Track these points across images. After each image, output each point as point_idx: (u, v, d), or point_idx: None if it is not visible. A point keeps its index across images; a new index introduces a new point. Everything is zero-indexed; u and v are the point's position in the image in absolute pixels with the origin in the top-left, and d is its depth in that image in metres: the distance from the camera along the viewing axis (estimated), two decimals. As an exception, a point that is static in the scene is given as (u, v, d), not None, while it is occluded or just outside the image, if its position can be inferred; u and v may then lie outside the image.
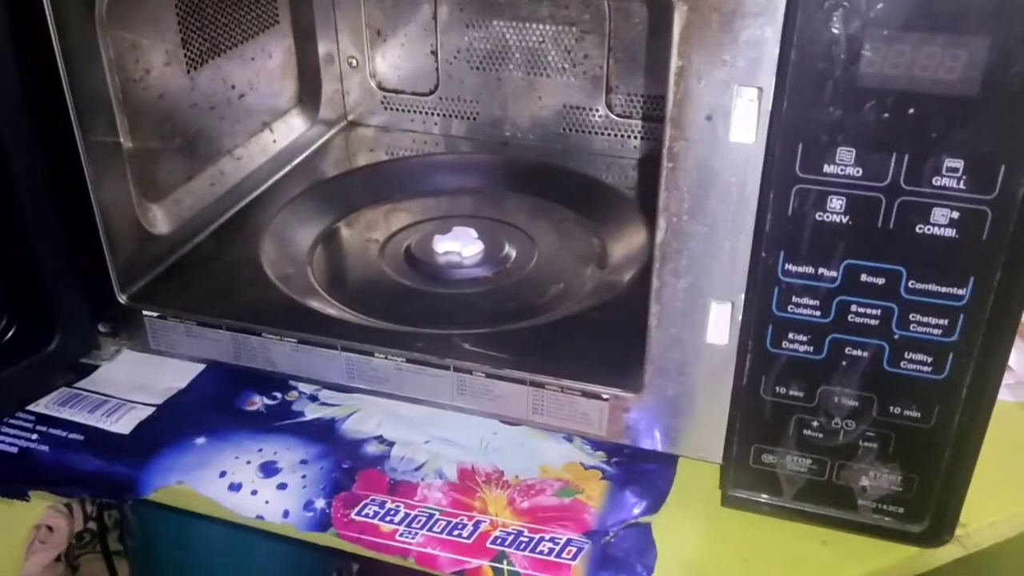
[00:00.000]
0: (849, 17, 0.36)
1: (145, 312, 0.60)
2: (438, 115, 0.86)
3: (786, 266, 0.43)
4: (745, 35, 0.40)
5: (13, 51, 0.51)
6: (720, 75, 0.41)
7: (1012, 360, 0.56)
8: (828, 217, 0.41)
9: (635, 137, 0.81)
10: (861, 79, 0.37)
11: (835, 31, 0.37)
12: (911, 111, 0.37)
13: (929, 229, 0.40)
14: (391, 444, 0.56)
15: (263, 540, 0.76)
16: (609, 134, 0.81)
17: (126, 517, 0.96)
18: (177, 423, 0.57)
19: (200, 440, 0.56)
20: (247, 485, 0.53)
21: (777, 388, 0.46)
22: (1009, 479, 0.53)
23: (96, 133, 0.56)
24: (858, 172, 0.39)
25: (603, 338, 0.57)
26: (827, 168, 0.40)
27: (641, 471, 0.54)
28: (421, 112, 0.86)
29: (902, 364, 0.43)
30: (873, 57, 0.37)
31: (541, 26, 0.78)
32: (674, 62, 0.42)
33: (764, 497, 0.49)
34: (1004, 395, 0.56)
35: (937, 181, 0.39)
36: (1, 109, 0.51)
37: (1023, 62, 0.35)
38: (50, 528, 1.03)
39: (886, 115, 0.38)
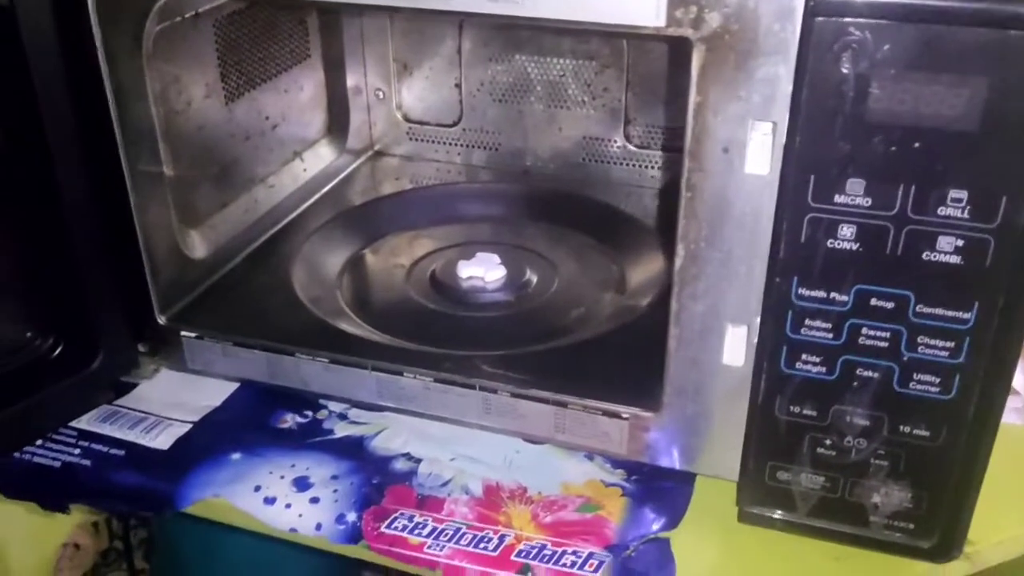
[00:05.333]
0: (858, 57, 0.39)
1: (183, 333, 0.62)
2: (461, 145, 0.88)
3: (799, 290, 0.45)
4: (760, 73, 0.42)
5: (66, 84, 0.54)
6: (736, 110, 0.44)
7: (1018, 383, 0.58)
8: (839, 244, 0.43)
9: (652, 167, 0.83)
10: (869, 115, 0.40)
11: (845, 70, 0.39)
12: (917, 145, 0.40)
13: (935, 256, 0.42)
14: (418, 461, 0.58)
15: (289, 557, 0.79)
16: (627, 164, 0.84)
17: (153, 535, 0.99)
18: (213, 439, 0.60)
19: (235, 455, 0.58)
20: (281, 499, 0.55)
21: (791, 407, 0.48)
22: (1017, 501, 0.54)
23: (141, 162, 0.58)
24: (867, 202, 0.42)
25: (623, 360, 0.59)
26: (838, 198, 0.42)
27: (659, 488, 0.55)
28: (445, 143, 0.89)
29: (911, 385, 0.45)
30: (881, 94, 0.39)
31: (562, 60, 0.81)
32: (692, 98, 0.44)
33: (779, 514, 0.51)
34: (1012, 419, 0.58)
35: (942, 211, 0.41)
36: (54, 140, 0.54)
37: (1020, 100, 0.38)
38: (77, 546, 1.05)
39: (893, 148, 0.40)
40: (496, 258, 0.72)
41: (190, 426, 0.61)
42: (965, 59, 0.38)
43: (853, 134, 0.40)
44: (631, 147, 0.83)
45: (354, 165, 0.88)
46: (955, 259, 0.42)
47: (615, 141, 0.83)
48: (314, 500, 0.55)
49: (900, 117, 0.39)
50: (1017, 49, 0.37)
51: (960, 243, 0.41)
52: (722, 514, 0.53)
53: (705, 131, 0.45)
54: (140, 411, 0.62)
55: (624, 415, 0.54)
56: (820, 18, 0.39)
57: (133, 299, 0.61)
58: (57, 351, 0.59)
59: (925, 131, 0.39)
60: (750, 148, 0.44)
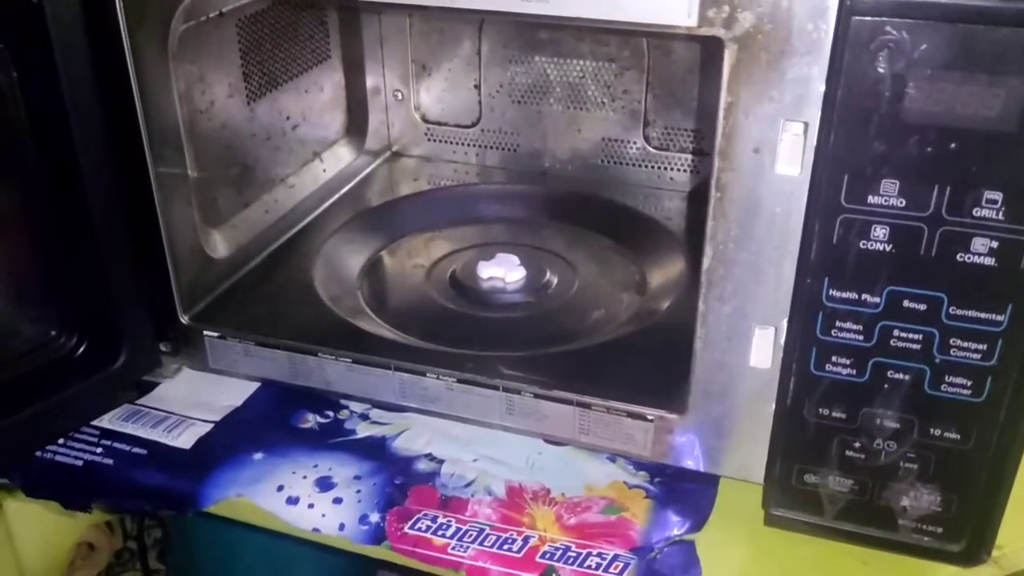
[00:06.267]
0: (894, 57, 0.39)
1: (206, 332, 0.62)
2: (479, 146, 0.88)
3: (830, 292, 0.45)
4: (792, 73, 0.42)
5: (93, 82, 0.54)
6: (767, 110, 0.44)
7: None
8: (872, 245, 0.43)
9: (671, 169, 0.83)
10: (905, 115, 0.40)
11: (881, 70, 0.39)
12: (953, 146, 0.40)
13: (969, 258, 0.42)
14: (441, 462, 0.58)
15: (305, 557, 0.78)
16: (646, 166, 0.84)
17: (169, 535, 0.98)
18: (235, 439, 0.60)
19: (258, 455, 0.58)
20: (304, 499, 0.55)
21: (820, 410, 0.48)
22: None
23: (165, 162, 0.59)
24: (901, 203, 0.41)
25: (645, 362, 0.59)
26: (871, 199, 0.42)
27: (683, 491, 0.55)
28: (463, 143, 0.89)
29: (942, 387, 0.45)
30: (916, 95, 0.39)
31: (581, 62, 0.81)
32: (723, 98, 0.44)
33: (806, 517, 0.51)
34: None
35: (977, 212, 0.41)
36: (80, 139, 0.54)
37: (1060, 101, 0.37)
38: (91, 546, 1.05)
39: (928, 149, 0.40)
40: (516, 259, 0.72)
41: (212, 426, 0.61)
42: (1004, 59, 0.37)
43: (888, 134, 0.40)
44: (650, 149, 0.83)
45: (372, 166, 0.88)
46: (989, 261, 0.41)
47: (634, 143, 0.83)
48: (337, 500, 0.55)
49: (936, 117, 0.39)
50: (1059, 49, 0.37)
51: (994, 245, 0.41)
52: (747, 517, 0.53)
53: (736, 131, 0.44)
54: (162, 410, 0.62)
55: (649, 417, 0.54)
56: (857, 17, 0.39)
57: (156, 298, 0.61)
58: (80, 350, 0.59)
59: (961, 132, 0.39)
60: (781, 148, 0.44)
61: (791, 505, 0.51)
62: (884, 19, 0.38)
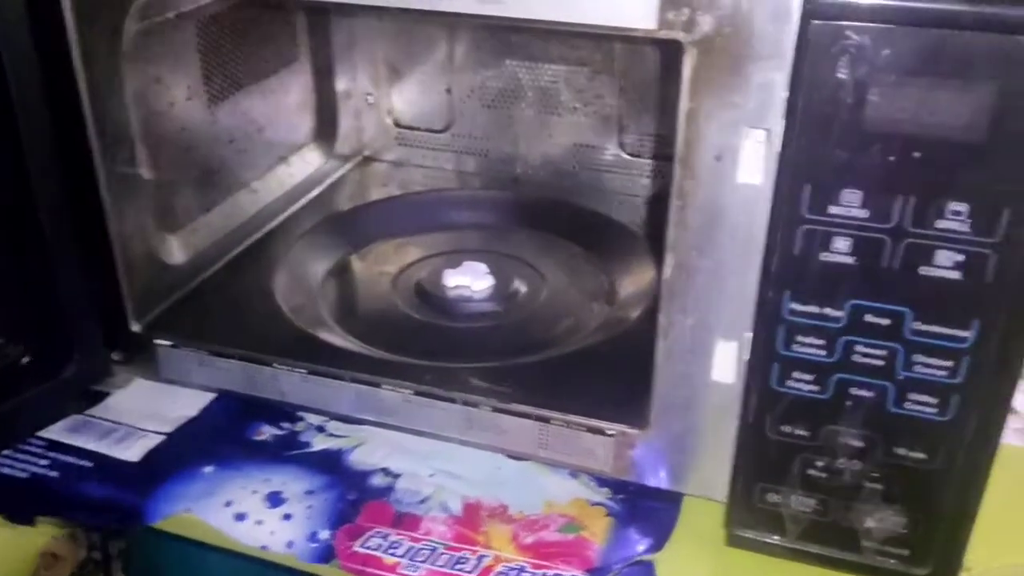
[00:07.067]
0: (856, 63, 0.37)
1: (158, 341, 0.60)
2: (451, 151, 0.87)
3: (792, 305, 0.43)
4: (754, 78, 0.41)
5: (40, 83, 0.52)
6: (729, 117, 0.42)
7: (1019, 403, 0.56)
8: (834, 258, 0.41)
9: (645, 175, 0.82)
10: (867, 123, 0.38)
11: (842, 76, 0.38)
12: (917, 155, 0.38)
13: (934, 271, 0.40)
14: (397, 476, 0.56)
15: (271, 573, 0.76)
16: (619, 172, 0.82)
17: (131, 547, 0.96)
18: (186, 451, 0.58)
19: (208, 469, 0.56)
20: (252, 515, 0.53)
21: (782, 427, 0.46)
22: (1017, 524, 0.53)
23: (117, 164, 0.57)
24: (864, 214, 0.40)
25: (610, 374, 0.57)
26: (833, 209, 0.40)
27: (646, 508, 0.54)
28: (434, 148, 0.87)
29: (906, 405, 0.43)
30: (879, 101, 0.38)
31: (553, 66, 0.80)
32: (684, 104, 0.43)
33: (768, 537, 0.49)
34: (1012, 439, 0.56)
35: (942, 224, 0.39)
36: (27, 140, 0.52)
37: (1027, 109, 0.36)
38: (55, 556, 1.03)
39: (892, 158, 0.38)
40: (483, 267, 0.70)
41: (163, 437, 0.59)
42: (971, 66, 0.36)
43: (850, 143, 0.39)
44: (624, 155, 0.82)
45: (342, 171, 0.86)
46: (954, 274, 0.40)
47: (607, 148, 0.82)
48: (287, 516, 0.53)
49: (900, 126, 0.38)
50: (1025, 55, 0.35)
51: (960, 258, 0.39)
52: (710, 536, 0.51)
53: (697, 138, 0.43)
54: (111, 421, 0.60)
55: (609, 432, 0.53)
56: (816, 21, 0.37)
57: (107, 305, 0.59)
58: (27, 358, 0.57)
59: (926, 140, 0.38)
60: (743, 156, 0.42)
61: (753, 525, 0.49)
62: (844, 23, 0.37)
